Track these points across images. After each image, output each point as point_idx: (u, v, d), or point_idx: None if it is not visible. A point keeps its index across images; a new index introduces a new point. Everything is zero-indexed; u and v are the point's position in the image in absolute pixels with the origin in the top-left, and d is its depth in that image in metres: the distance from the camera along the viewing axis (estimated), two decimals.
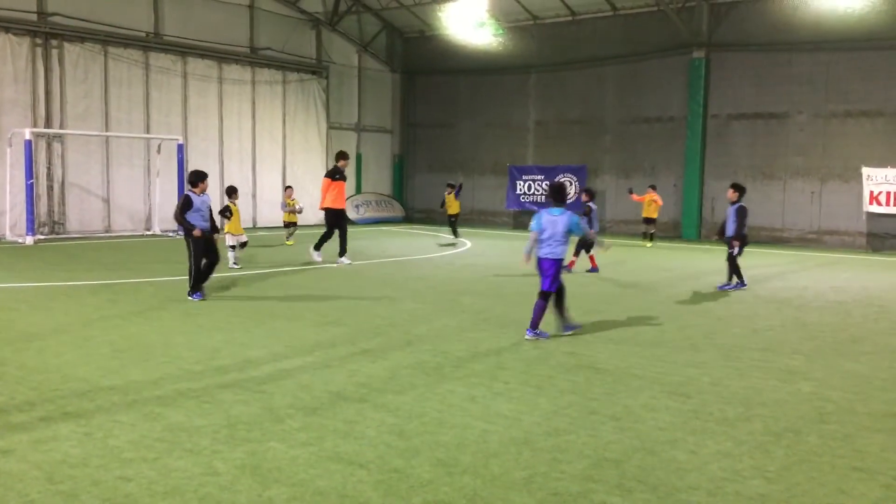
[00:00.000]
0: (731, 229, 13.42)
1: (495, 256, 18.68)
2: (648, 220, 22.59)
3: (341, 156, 16.02)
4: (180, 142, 23.36)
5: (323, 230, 16.18)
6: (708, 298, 12.56)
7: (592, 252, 15.48)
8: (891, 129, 21.76)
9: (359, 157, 31.18)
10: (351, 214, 29.64)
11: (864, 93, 22.05)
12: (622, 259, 18.16)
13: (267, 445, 5.30)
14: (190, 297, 11.37)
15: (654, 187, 22.92)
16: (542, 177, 27.93)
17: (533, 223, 9.12)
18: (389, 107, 32.48)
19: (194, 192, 11.48)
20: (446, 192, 21.65)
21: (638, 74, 26.19)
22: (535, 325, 9.05)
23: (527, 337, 9.03)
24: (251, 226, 26.00)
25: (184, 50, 24.64)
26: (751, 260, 18.71)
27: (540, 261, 9.05)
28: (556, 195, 9.28)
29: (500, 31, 27.19)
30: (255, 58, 26.83)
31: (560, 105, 28.14)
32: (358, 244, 20.49)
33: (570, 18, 27.44)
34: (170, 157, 23.45)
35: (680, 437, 5.67)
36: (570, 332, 9.29)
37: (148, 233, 23.29)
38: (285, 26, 27.95)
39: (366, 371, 7.40)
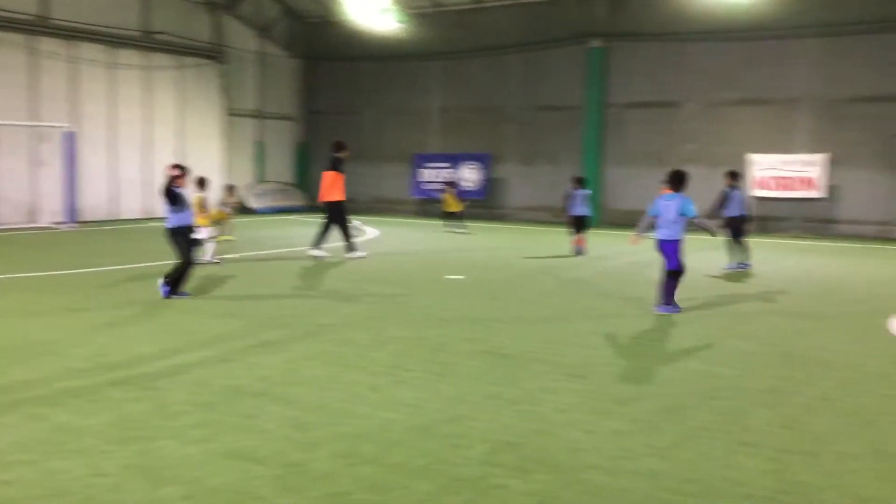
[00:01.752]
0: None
1: (402, 244, 18.63)
2: None
3: (344, 146, 15.65)
4: (69, 130, 22.30)
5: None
6: (610, 281, 12.87)
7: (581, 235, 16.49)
8: (775, 117, 22.83)
9: (260, 145, 30.53)
10: (252, 203, 29.04)
11: (751, 81, 23.03)
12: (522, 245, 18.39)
13: (158, 444, 5.12)
14: (169, 296, 10.62)
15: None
16: (447, 164, 28.03)
17: (651, 208, 10.08)
18: (291, 93, 31.88)
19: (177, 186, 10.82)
20: (446, 193, 22.51)
21: (539, 63, 26.57)
22: (668, 302, 9.89)
23: (660, 312, 9.81)
24: (145, 217, 25.07)
25: (73, 34, 23.44)
26: (641, 245, 19.32)
27: (660, 243, 9.90)
28: (673, 181, 9.93)
29: (404, 18, 27.05)
30: (149, 42, 25.79)
31: (464, 93, 28.28)
32: (261, 234, 20.11)
33: (472, 6, 27.55)
34: (58, 145, 22.35)
35: (577, 417, 5.79)
36: (664, 312, 9.87)
37: (34, 225, 22.15)
38: (180, 10, 26.97)
39: (266, 363, 7.26)
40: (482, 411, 5.91)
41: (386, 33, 28.00)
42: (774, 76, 22.70)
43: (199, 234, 13.87)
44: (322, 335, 8.50)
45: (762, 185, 22.49)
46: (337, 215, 15.29)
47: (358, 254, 15.49)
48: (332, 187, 15.21)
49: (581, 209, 16.47)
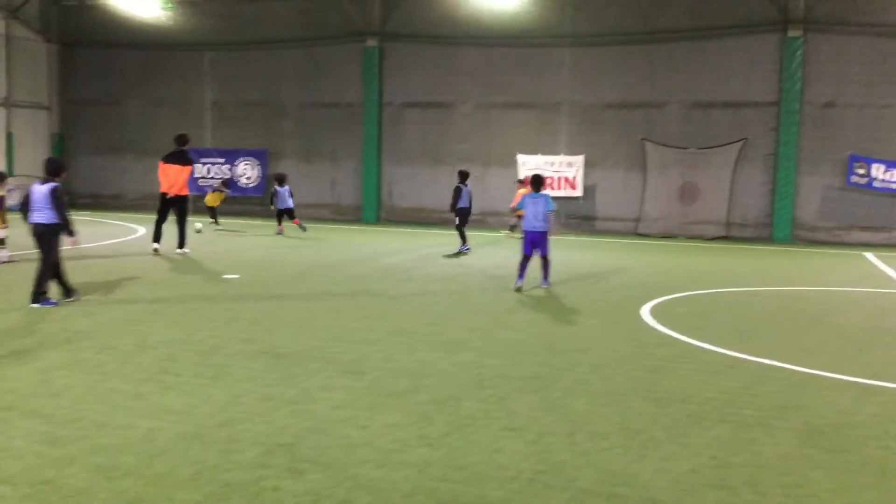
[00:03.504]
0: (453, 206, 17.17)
1: (170, 244, 17.69)
2: None
3: (187, 139, 16.04)
4: None
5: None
6: (388, 277, 13.06)
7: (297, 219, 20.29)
8: (540, 120, 24.35)
9: (9, 137, 27.74)
10: None
11: (518, 85, 24.38)
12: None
13: None
14: (40, 305, 9.73)
15: None
16: (223, 160, 27.07)
17: (519, 203, 12.52)
18: (45, 81, 29.23)
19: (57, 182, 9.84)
20: (212, 190, 23.32)
21: (316, 59, 26.38)
22: (521, 276, 11.94)
23: (517, 284, 11.89)
24: None
25: None
26: (420, 241, 19.86)
27: (528, 233, 11.91)
28: (536, 183, 12.09)
29: (169, 5, 25.70)
30: None
31: (239, 87, 27.41)
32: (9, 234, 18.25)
33: None
34: None
35: (353, 413, 5.82)
36: (546, 286, 12.08)
37: None
38: None
39: (13, 375, 6.61)
40: (256, 414, 5.76)
41: (151, 20, 26.49)
42: (539, 81, 24.19)
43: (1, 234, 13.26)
44: (78, 342, 7.88)
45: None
46: (184, 210, 15.66)
47: (187, 250, 15.83)
48: (184, 181, 15.43)
49: (287, 202, 20.76)
